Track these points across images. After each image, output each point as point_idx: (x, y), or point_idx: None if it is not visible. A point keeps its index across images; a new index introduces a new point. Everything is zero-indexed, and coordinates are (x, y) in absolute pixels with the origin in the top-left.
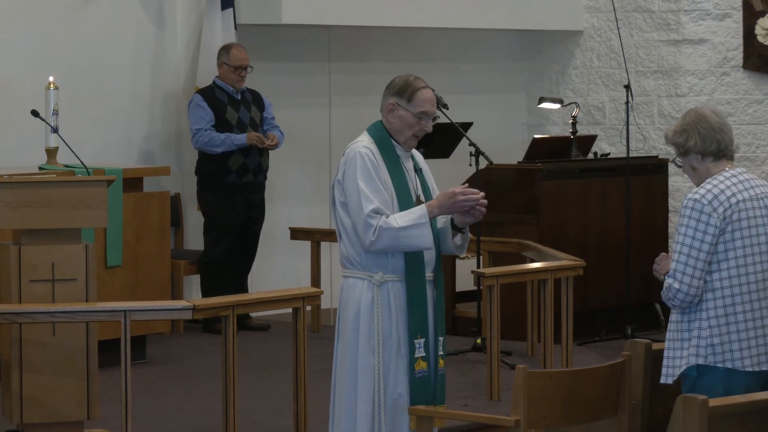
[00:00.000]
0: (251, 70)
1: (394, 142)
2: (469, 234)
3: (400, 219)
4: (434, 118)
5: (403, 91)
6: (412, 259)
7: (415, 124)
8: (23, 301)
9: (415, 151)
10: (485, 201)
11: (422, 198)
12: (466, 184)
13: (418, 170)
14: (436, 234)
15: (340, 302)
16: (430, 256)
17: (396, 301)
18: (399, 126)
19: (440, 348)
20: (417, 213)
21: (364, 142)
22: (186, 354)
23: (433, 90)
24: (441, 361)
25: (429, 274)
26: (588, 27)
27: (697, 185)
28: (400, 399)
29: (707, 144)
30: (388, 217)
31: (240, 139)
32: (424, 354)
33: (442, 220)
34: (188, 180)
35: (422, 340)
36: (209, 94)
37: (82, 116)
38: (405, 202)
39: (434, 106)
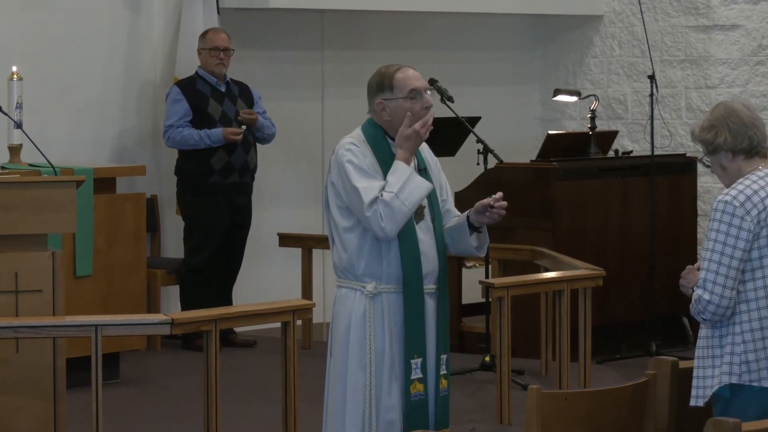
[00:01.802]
0: (233, 52)
1: (389, 140)
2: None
3: (390, 187)
4: (428, 90)
5: (381, 85)
6: (409, 271)
7: (412, 107)
8: None
9: (423, 146)
10: (504, 203)
11: (424, 203)
12: (499, 195)
13: (421, 170)
14: (441, 241)
15: (332, 315)
16: (431, 267)
17: (391, 314)
18: (399, 119)
19: (443, 367)
20: (399, 170)
21: (352, 139)
22: (163, 373)
23: (437, 81)
24: (444, 381)
25: (431, 286)
26: (608, 11)
27: (728, 186)
28: (393, 425)
29: (738, 141)
30: (381, 195)
31: (215, 136)
32: (420, 375)
33: (455, 220)
34: (166, 180)
35: (419, 360)
36: (189, 86)
37: (49, 110)
38: None
39: (421, 79)
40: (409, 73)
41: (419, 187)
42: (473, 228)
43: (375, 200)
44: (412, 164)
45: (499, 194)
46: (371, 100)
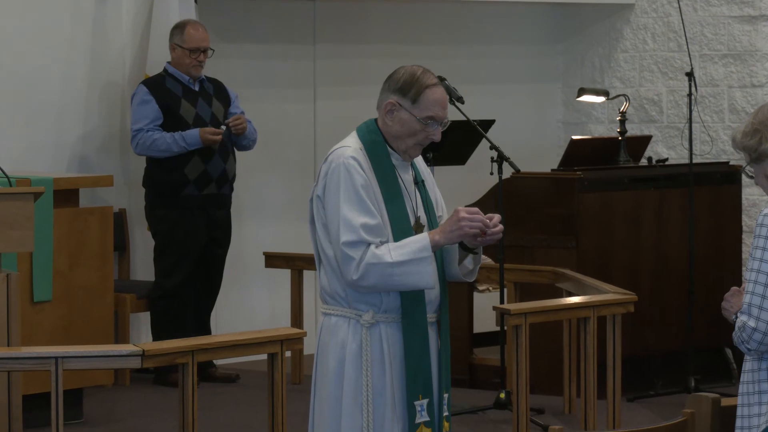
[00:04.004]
0: (212, 53)
1: (389, 149)
2: (483, 256)
3: (394, 251)
4: (444, 123)
5: (407, 88)
6: (409, 297)
7: (419, 131)
8: None
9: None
10: (500, 226)
11: (422, 220)
12: (497, 218)
13: (419, 182)
14: (441, 264)
15: (318, 345)
16: (432, 293)
17: (391, 347)
18: (399, 131)
19: (445, 408)
20: (417, 245)
21: (351, 149)
22: (133, 412)
23: (445, 80)
24: (446, 424)
25: (431, 315)
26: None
27: None
28: None
29: None
30: (378, 246)
31: (192, 137)
32: (427, 419)
33: None
34: (136, 192)
35: (425, 401)
36: (158, 85)
37: (2, 112)
38: (399, 226)
39: (446, 110)
40: (438, 96)
41: (421, 274)
42: (467, 249)
43: (356, 243)
44: (419, 206)
45: (497, 217)
46: (385, 94)
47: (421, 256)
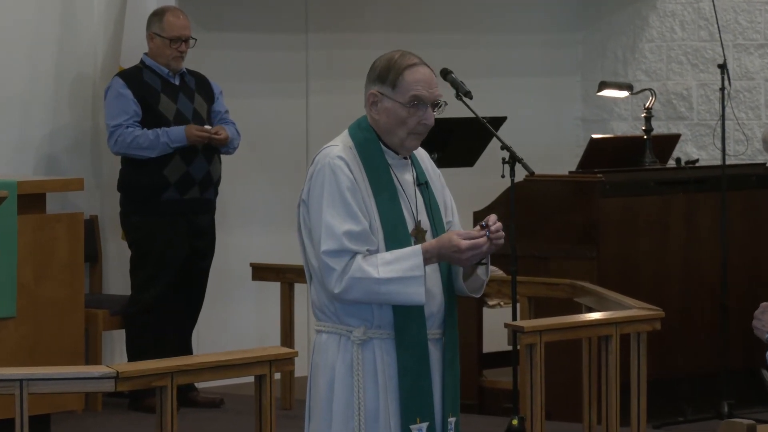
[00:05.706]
0: (194, 43)
1: (384, 146)
2: (493, 267)
3: (383, 266)
4: (437, 105)
5: (384, 74)
6: (404, 312)
7: (407, 118)
8: None
9: (421, 152)
10: (499, 224)
11: (424, 224)
12: (486, 223)
13: (422, 184)
14: (446, 275)
15: (311, 366)
16: (435, 307)
17: (386, 365)
18: (386, 123)
19: None
20: (408, 261)
21: (338, 148)
22: None
23: (451, 72)
24: None
25: (435, 331)
26: None
27: None
28: None
29: None
30: (366, 257)
31: (177, 134)
32: None
33: None
34: (109, 197)
35: (424, 425)
36: (135, 77)
37: None
38: (393, 232)
39: (432, 87)
40: (420, 75)
41: (411, 294)
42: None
43: (338, 252)
44: (421, 209)
45: (493, 217)
46: (367, 86)
47: (412, 275)
